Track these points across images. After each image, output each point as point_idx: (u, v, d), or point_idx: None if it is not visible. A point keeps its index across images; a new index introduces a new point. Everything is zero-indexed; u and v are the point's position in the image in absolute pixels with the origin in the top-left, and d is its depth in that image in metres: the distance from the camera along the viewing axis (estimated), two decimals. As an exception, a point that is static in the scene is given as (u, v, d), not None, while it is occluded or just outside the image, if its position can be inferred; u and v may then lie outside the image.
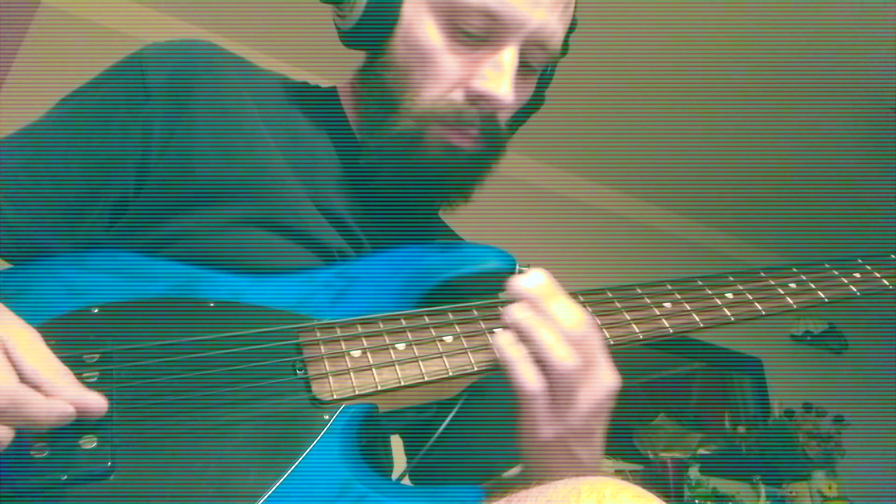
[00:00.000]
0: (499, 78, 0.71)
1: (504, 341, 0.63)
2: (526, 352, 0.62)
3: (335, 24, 0.78)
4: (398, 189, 0.75)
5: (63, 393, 0.52)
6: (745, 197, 3.28)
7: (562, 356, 0.61)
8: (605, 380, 0.64)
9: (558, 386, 0.61)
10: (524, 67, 0.75)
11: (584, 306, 0.71)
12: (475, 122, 0.72)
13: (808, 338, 3.58)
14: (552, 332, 0.62)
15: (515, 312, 0.63)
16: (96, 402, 0.53)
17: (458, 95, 0.72)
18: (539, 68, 0.78)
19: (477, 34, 0.71)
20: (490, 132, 0.74)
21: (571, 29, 0.81)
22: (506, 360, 0.62)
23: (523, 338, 0.62)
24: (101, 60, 0.75)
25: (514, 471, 0.78)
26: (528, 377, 0.61)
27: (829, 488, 2.99)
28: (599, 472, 0.66)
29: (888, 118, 2.70)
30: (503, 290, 0.77)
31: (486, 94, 0.71)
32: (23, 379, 0.51)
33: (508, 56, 0.71)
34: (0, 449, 0.48)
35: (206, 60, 0.74)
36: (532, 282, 0.65)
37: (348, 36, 0.76)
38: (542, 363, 0.61)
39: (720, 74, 2.61)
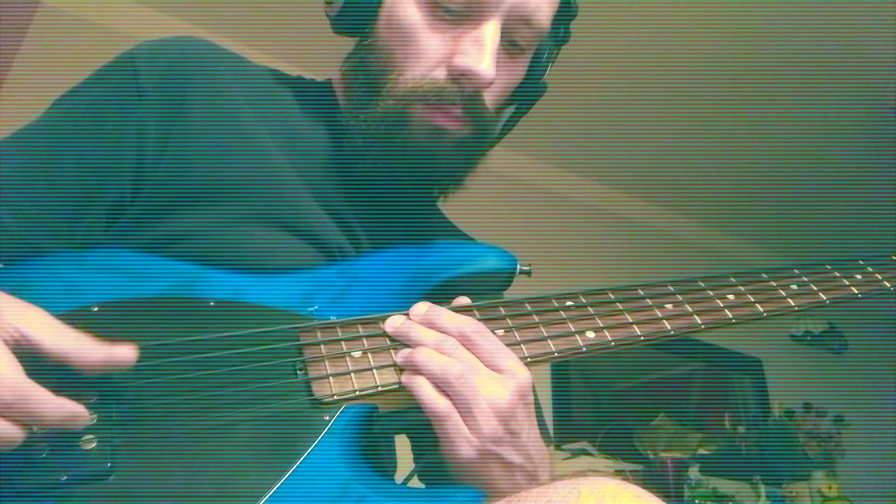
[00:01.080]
0: (479, 53, 0.70)
1: (407, 377, 0.63)
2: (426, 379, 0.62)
3: (326, 13, 0.78)
4: (387, 174, 0.74)
5: (92, 354, 0.53)
6: (746, 197, 3.28)
7: (441, 365, 0.61)
8: (506, 375, 0.63)
9: (458, 401, 0.61)
10: (511, 46, 0.74)
11: (586, 307, 0.71)
12: (457, 100, 0.71)
13: (808, 338, 3.58)
14: (429, 351, 0.62)
15: (401, 353, 0.64)
16: (126, 352, 0.54)
17: (440, 73, 0.72)
18: (528, 47, 0.77)
19: (457, 10, 0.71)
20: (474, 112, 0.73)
21: (572, 16, 0.80)
22: (411, 384, 0.62)
23: (414, 369, 0.62)
24: (101, 60, 0.74)
25: None
26: (433, 398, 0.61)
27: (829, 488, 2.99)
28: (597, 470, 0.65)
29: (888, 118, 2.70)
30: (504, 289, 0.77)
31: (467, 69, 0.70)
32: (46, 355, 0.52)
33: (489, 31, 0.70)
34: (7, 448, 0.48)
35: (199, 58, 0.74)
36: (394, 322, 0.66)
37: (336, 22, 0.76)
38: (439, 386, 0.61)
39: (720, 74, 2.61)
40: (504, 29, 0.72)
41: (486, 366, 0.63)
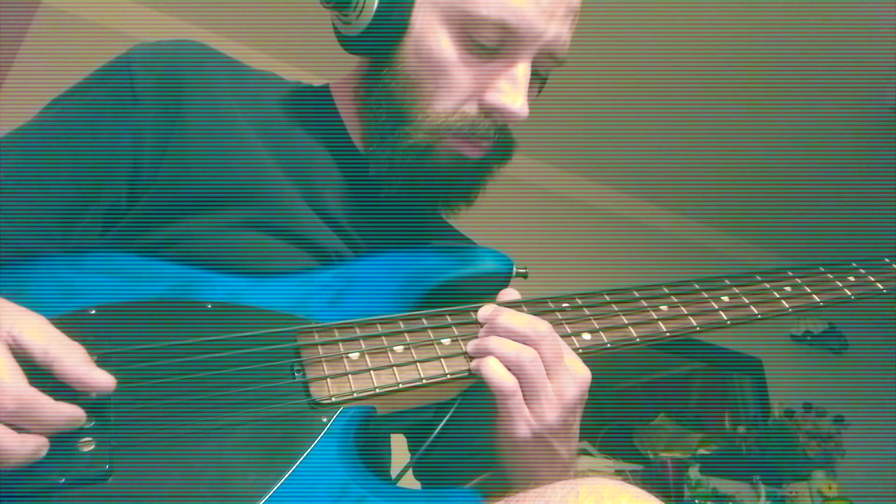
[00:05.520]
0: (514, 92, 0.70)
1: (476, 360, 0.66)
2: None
3: (335, 28, 0.76)
4: (403, 195, 0.75)
5: (71, 369, 0.53)
6: (744, 197, 3.28)
7: (517, 349, 0.64)
8: (575, 374, 0.66)
9: (523, 382, 0.64)
10: (533, 76, 0.74)
11: (582, 309, 0.72)
12: (490, 134, 0.72)
13: (808, 338, 3.58)
14: (500, 338, 0.65)
15: (471, 343, 0.67)
16: (103, 380, 0.54)
17: (470, 108, 0.72)
18: (546, 76, 0.78)
19: (491, 46, 0.70)
20: (503, 143, 0.75)
21: None
22: (479, 364, 0.65)
23: (486, 354, 0.65)
24: (102, 60, 0.74)
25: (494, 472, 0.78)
26: (502, 375, 0.64)
27: (829, 488, 2.98)
28: (598, 470, 0.67)
29: (888, 118, 2.70)
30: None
31: (502, 107, 0.70)
32: (35, 361, 0.52)
33: (522, 69, 0.71)
34: (16, 460, 0.49)
35: (195, 61, 0.74)
36: (486, 310, 0.69)
37: (353, 42, 0.74)
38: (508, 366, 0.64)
39: (720, 74, 2.61)
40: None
41: (556, 361, 0.65)
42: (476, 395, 0.70)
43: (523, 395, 0.64)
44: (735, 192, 3.25)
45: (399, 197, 0.74)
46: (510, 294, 0.72)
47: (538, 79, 0.77)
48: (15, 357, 0.51)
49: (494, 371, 0.64)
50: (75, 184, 0.67)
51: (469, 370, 0.66)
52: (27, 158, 0.68)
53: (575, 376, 0.65)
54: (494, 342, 0.65)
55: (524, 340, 0.64)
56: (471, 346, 0.67)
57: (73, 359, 0.53)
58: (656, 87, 2.68)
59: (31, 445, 0.49)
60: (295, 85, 0.84)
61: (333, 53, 0.81)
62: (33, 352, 0.52)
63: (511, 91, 0.70)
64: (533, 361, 0.63)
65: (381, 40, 0.72)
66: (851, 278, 0.82)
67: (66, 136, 0.69)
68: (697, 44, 2.48)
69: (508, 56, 0.71)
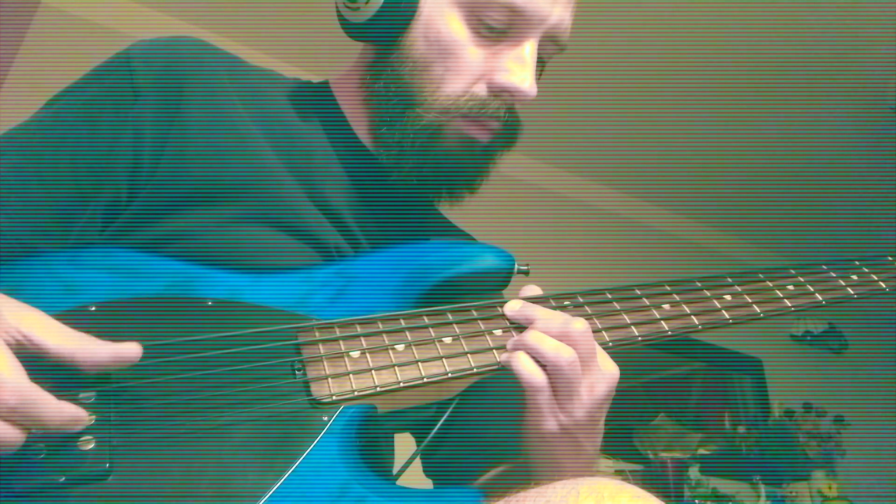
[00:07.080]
0: (522, 71, 0.72)
1: (506, 354, 0.66)
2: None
3: (341, 15, 0.76)
4: (409, 181, 0.75)
5: (99, 352, 0.53)
6: (745, 197, 3.28)
7: (556, 348, 0.63)
8: (605, 371, 0.65)
9: (558, 381, 0.63)
10: (538, 61, 0.76)
11: (584, 307, 0.72)
12: (500, 114, 0.73)
13: (808, 338, 3.58)
14: (539, 333, 0.64)
15: (512, 340, 0.67)
16: (132, 349, 0.55)
17: (480, 89, 0.73)
18: (548, 60, 0.79)
19: (499, 28, 0.72)
20: (510, 124, 0.76)
21: None
22: (510, 358, 0.64)
23: (519, 347, 0.65)
24: (101, 60, 0.74)
25: (500, 469, 0.78)
26: (531, 370, 0.63)
27: (829, 488, 2.99)
28: (598, 470, 0.67)
29: (888, 118, 2.70)
30: (502, 288, 0.77)
31: (512, 87, 0.72)
32: (49, 356, 0.52)
33: (529, 50, 0.73)
34: (9, 451, 0.48)
35: (196, 58, 0.74)
36: (513, 306, 0.69)
37: (361, 29, 0.75)
38: (540, 362, 0.64)
39: (720, 74, 2.61)
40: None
41: (589, 359, 0.65)
42: (483, 391, 0.70)
43: (557, 392, 0.64)
44: (735, 192, 3.25)
45: (406, 183, 0.75)
46: (532, 290, 0.72)
47: (539, 63, 0.78)
48: (20, 354, 0.51)
49: (524, 366, 0.64)
50: (75, 181, 0.67)
51: (497, 364, 0.66)
52: (27, 156, 0.67)
53: (605, 374, 0.65)
54: (533, 337, 0.64)
55: (562, 339, 0.64)
56: (511, 343, 0.66)
57: (93, 344, 0.54)
58: (656, 87, 2.68)
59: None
60: (294, 81, 0.85)
61: (332, 52, 0.81)
62: (48, 346, 0.52)
63: (519, 71, 0.72)
64: (571, 363, 0.63)
65: (391, 26, 0.74)
66: (854, 277, 0.82)
67: (65, 133, 0.69)
68: (697, 44, 2.48)
69: (514, 38, 0.73)
